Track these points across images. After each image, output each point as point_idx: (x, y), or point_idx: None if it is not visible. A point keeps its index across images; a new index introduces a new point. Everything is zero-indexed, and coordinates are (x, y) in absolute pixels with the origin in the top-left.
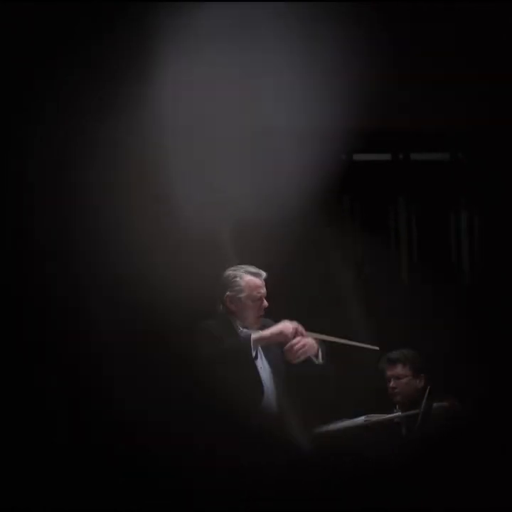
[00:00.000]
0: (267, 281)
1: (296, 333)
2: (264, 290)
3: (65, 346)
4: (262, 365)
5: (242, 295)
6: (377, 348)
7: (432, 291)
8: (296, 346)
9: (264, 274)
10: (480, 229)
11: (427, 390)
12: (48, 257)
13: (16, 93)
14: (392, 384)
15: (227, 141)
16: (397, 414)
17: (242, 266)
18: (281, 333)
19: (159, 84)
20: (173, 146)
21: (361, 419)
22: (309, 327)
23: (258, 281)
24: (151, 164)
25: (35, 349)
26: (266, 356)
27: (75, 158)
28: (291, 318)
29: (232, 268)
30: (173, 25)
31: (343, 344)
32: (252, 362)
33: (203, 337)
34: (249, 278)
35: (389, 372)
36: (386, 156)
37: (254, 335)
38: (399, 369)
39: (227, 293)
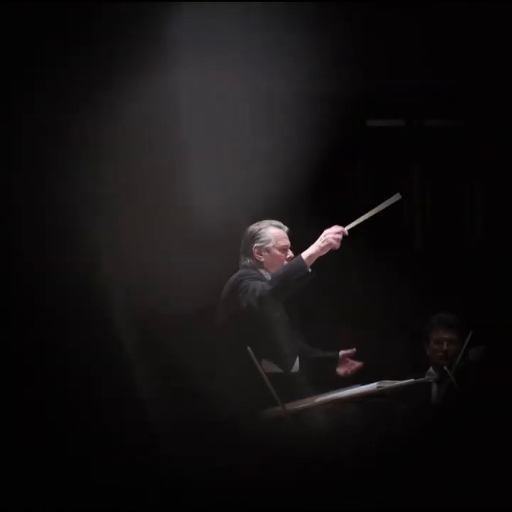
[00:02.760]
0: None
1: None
2: (288, 241)
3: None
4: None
5: (270, 245)
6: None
7: (445, 258)
8: None
9: (286, 228)
10: (492, 196)
11: (463, 350)
12: (59, 257)
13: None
14: (445, 347)
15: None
16: (410, 380)
17: (265, 220)
18: (329, 244)
19: (173, 79)
20: (184, 140)
21: (374, 385)
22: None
23: (282, 233)
24: (164, 160)
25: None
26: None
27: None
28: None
29: (255, 223)
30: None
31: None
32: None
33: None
34: (275, 230)
35: (443, 336)
36: (399, 122)
37: (303, 254)
38: (454, 333)
39: (255, 244)
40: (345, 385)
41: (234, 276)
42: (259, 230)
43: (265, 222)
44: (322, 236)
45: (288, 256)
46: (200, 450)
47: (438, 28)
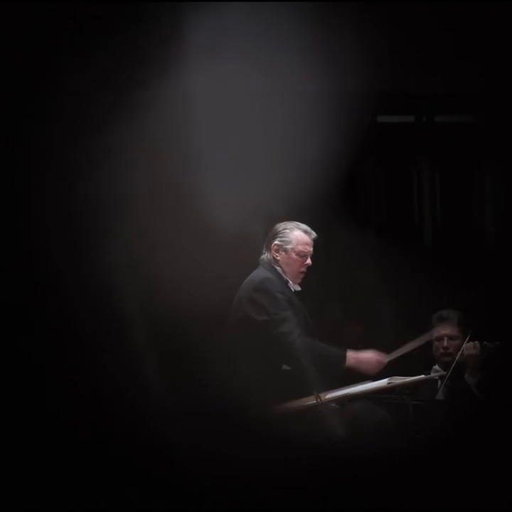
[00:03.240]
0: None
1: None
2: (310, 248)
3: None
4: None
5: (289, 246)
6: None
7: (454, 253)
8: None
9: (314, 234)
10: (504, 192)
11: (464, 345)
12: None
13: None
14: (445, 344)
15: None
16: (420, 376)
17: (295, 222)
18: (371, 364)
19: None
20: (201, 142)
21: (385, 381)
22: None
23: (306, 238)
24: (180, 162)
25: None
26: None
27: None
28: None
29: (284, 222)
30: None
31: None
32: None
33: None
34: (299, 233)
35: (443, 332)
36: (410, 118)
37: (351, 356)
38: (454, 329)
39: (275, 241)
40: (356, 381)
41: (257, 278)
42: (284, 229)
43: (293, 223)
44: (369, 356)
45: (306, 262)
46: (211, 446)
47: (447, 24)
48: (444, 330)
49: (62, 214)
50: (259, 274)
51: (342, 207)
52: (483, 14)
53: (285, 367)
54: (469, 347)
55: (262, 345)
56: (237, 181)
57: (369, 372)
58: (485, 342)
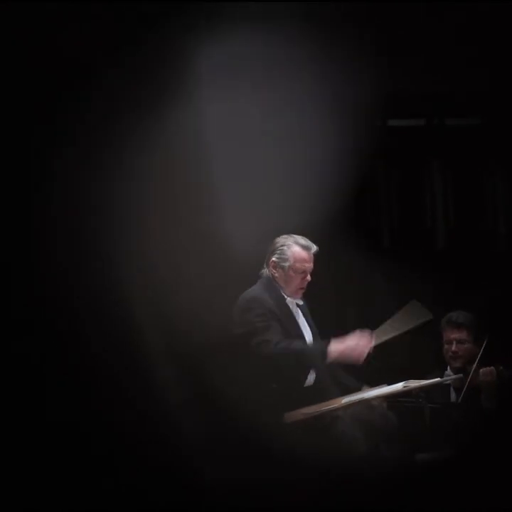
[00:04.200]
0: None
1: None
2: (309, 264)
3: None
4: (303, 325)
5: (286, 264)
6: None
7: (467, 257)
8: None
9: (314, 248)
10: None
11: (480, 353)
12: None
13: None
14: (454, 348)
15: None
16: (436, 379)
17: (294, 236)
18: (354, 359)
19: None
20: (212, 154)
21: (400, 385)
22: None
23: (304, 255)
24: (192, 174)
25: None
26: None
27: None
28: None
29: (284, 236)
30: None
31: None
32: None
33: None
34: (297, 249)
35: (452, 336)
36: (420, 121)
37: (333, 349)
38: (463, 333)
39: (273, 258)
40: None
41: (245, 296)
42: (282, 245)
43: (291, 239)
44: (353, 344)
45: (305, 279)
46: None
47: (459, 26)
48: (453, 333)
49: (71, 219)
50: (249, 292)
51: (353, 214)
52: (491, 18)
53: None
54: (486, 372)
55: (249, 361)
56: (249, 194)
57: (357, 362)
58: (501, 367)
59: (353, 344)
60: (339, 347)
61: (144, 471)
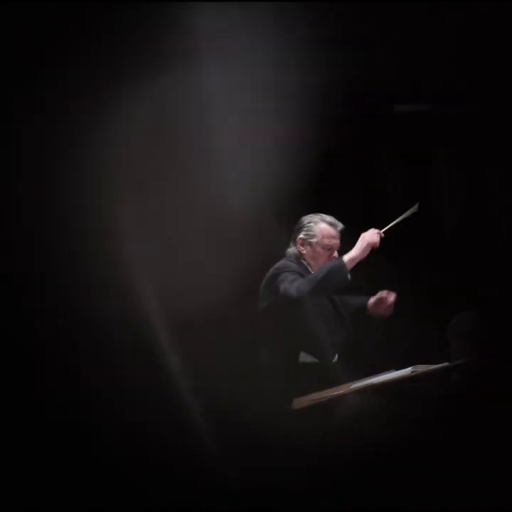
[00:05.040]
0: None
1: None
2: (336, 241)
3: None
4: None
5: (314, 240)
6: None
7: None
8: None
9: (340, 225)
10: None
11: None
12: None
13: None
14: None
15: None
16: (444, 364)
17: (320, 214)
18: (369, 245)
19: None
20: (207, 134)
21: (408, 370)
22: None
23: (332, 231)
24: (187, 154)
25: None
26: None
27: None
28: None
29: (310, 215)
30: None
31: None
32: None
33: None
34: (324, 226)
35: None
36: (427, 107)
37: (345, 257)
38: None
39: (301, 235)
40: (380, 371)
41: (274, 267)
42: (309, 222)
43: (318, 216)
44: (361, 239)
45: (332, 256)
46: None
47: (463, 15)
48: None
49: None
50: (276, 265)
51: (357, 197)
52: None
53: (303, 359)
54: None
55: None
56: (250, 175)
57: (375, 247)
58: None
59: (363, 238)
60: (352, 252)
61: (147, 465)
